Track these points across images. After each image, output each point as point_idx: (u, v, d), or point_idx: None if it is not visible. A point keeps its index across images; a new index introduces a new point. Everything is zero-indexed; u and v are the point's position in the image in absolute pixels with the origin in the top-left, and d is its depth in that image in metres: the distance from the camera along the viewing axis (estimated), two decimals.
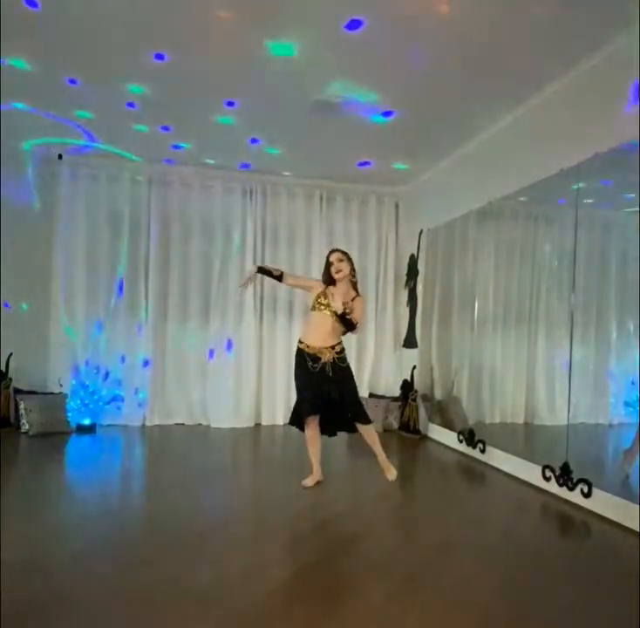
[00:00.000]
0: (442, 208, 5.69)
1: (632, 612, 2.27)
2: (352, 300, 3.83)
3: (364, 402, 6.03)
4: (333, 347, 3.85)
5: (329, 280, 3.93)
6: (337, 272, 3.87)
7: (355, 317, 3.74)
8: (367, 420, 3.96)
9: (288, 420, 4.22)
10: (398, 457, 5.24)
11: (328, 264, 3.93)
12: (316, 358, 3.83)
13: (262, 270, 3.96)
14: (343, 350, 3.91)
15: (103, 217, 5.96)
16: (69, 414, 5.64)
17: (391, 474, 4.04)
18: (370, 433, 4.00)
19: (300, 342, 3.93)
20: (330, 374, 3.82)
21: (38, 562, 2.62)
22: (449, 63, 3.64)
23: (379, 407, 6.10)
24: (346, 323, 3.73)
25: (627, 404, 3.78)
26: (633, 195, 3.45)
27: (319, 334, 3.83)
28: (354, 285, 3.96)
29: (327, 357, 3.83)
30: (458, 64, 3.65)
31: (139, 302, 6.08)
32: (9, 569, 2.47)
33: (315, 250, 6.40)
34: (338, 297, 3.72)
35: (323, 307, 3.82)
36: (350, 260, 3.94)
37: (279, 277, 3.94)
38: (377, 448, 4.03)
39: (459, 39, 3.34)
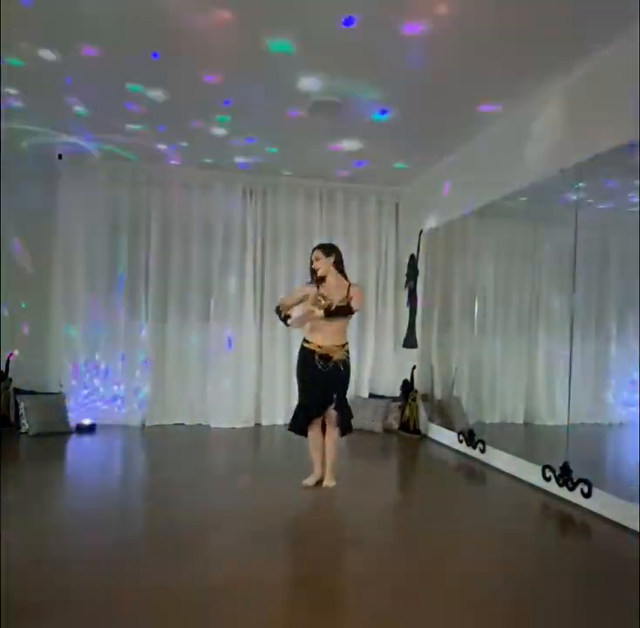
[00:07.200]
0: (442, 208, 5.69)
1: (632, 612, 2.27)
2: (349, 288, 3.87)
3: (362, 402, 6.11)
4: (343, 345, 3.90)
5: (316, 278, 3.94)
6: (316, 270, 3.91)
7: (355, 303, 3.82)
8: (346, 427, 3.92)
9: (287, 425, 4.14)
10: (398, 457, 5.25)
11: (310, 262, 3.99)
12: (327, 358, 3.83)
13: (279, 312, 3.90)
14: (348, 349, 3.96)
15: (103, 217, 5.95)
16: (69, 414, 5.63)
17: (331, 482, 3.94)
18: (334, 437, 3.94)
19: (308, 342, 3.88)
20: (342, 369, 3.86)
21: (38, 561, 2.62)
22: (448, 62, 3.64)
23: (379, 407, 6.10)
24: (345, 310, 3.76)
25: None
26: (633, 195, 3.45)
27: (329, 334, 3.82)
28: (343, 275, 3.96)
29: (338, 355, 3.85)
30: (457, 63, 3.65)
31: (139, 302, 6.07)
32: (9, 569, 2.47)
33: None
34: (333, 291, 3.81)
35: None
36: (330, 254, 3.92)
37: (285, 319, 3.87)
38: (334, 455, 3.96)
39: (459, 38, 3.34)
